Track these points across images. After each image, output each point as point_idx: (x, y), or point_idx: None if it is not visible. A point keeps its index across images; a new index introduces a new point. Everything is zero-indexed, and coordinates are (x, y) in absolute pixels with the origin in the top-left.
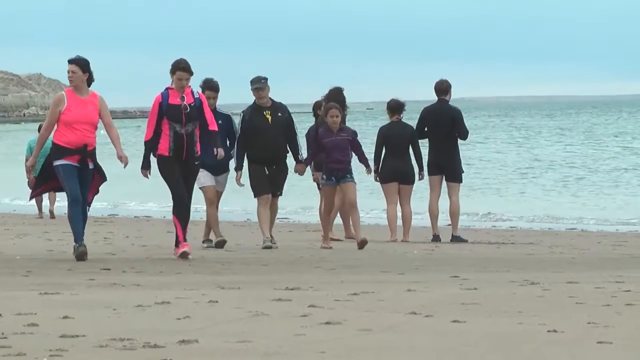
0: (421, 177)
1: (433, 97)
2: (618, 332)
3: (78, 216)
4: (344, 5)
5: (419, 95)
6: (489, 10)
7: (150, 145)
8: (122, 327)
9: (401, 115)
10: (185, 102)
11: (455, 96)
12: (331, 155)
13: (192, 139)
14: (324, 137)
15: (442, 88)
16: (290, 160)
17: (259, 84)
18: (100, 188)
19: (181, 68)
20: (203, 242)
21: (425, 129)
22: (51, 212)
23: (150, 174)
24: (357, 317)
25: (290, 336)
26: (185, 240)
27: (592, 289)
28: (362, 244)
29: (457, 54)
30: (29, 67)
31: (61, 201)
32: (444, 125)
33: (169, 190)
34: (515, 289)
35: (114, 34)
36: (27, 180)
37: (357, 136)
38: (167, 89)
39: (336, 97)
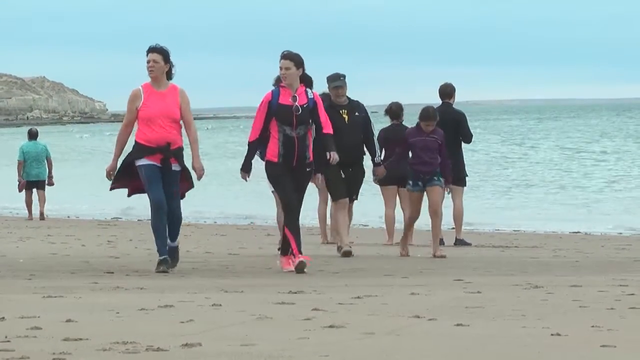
0: None
1: (437, 100)
2: (622, 336)
3: (160, 226)
4: (345, 6)
5: (423, 98)
6: (490, 13)
7: (254, 147)
8: (125, 330)
9: (401, 119)
10: (296, 103)
11: (460, 99)
12: (419, 156)
13: (303, 143)
14: (413, 135)
15: (447, 91)
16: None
17: (338, 82)
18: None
19: (283, 56)
20: (278, 249)
21: None
22: (41, 213)
23: (249, 177)
24: (361, 320)
25: (294, 339)
26: (300, 252)
27: (596, 293)
28: (435, 256)
29: (459, 57)
30: (32, 71)
31: (52, 203)
32: (448, 128)
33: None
34: (518, 293)
35: (115, 35)
36: (17, 182)
37: (444, 140)
38: (279, 86)
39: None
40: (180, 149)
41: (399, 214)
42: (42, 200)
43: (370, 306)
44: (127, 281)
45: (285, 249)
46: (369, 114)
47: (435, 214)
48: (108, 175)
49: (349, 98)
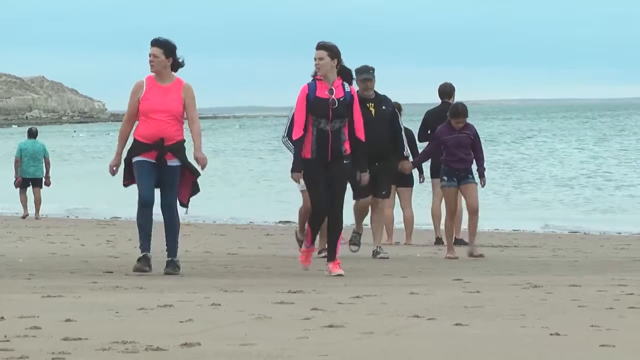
0: (421, 180)
1: (436, 100)
2: (621, 336)
3: (144, 221)
4: (345, 5)
5: (423, 98)
6: (490, 13)
7: (301, 144)
8: (124, 330)
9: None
10: (333, 96)
11: (459, 99)
12: (454, 154)
13: (338, 136)
14: (444, 134)
15: (446, 91)
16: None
17: (367, 74)
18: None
19: (317, 46)
20: (319, 252)
21: (429, 132)
22: (37, 212)
23: (302, 177)
24: (360, 320)
25: (293, 339)
26: (312, 243)
27: (595, 292)
28: (473, 255)
29: (459, 57)
30: (31, 70)
31: (49, 202)
32: None
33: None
34: (518, 292)
35: (115, 35)
36: (14, 180)
37: (479, 137)
38: (314, 79)
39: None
40: (179, 144)
41: (399, 215)
42: (37, 202)
43: (370, 306)
44: (126, 281)
45: (331, 256)
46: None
47: (474, 212)
48: (111, 171)
49: (375, 92)
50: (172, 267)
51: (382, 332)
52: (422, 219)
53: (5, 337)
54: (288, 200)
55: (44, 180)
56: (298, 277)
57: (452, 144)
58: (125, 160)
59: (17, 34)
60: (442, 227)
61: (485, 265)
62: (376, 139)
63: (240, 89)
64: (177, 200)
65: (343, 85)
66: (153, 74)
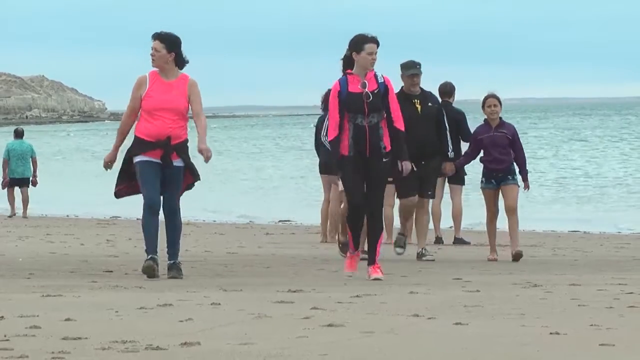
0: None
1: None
2: (620, 335)
3: (151, 226)
4: (350, 7)
5: None
6: (490, 13)
7: (337, 144)
8: (124, 329)
9: None
10: (367, 89)
11: (459, 98)
12: (489, 153)
13: (376, 131)
14: (481, 132)
15: (447, 90)
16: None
17: (414, 70)
18: (185, 189)
19: (372, 39)
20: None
21: None
22: (24, 211)
23: (339, 178)
24: (360, 319)
25: (293, 338)
26: (356, 248)
27: (595, 291)
28: (517, 257)
29: (459, 57)
30: (31, 70)
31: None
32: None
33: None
34: (517, 291)
35: (115, 34)
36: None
37: (518, 136)
38: (345, 74)
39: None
40: (184, 143)
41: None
42: (25, 201)
43: (369, 305)
44: (126, 280)
45: (371, 259)
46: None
47: (512, 214)
48: (106, 165)
49: (421, 88)
50: (176, 271)
51: (382, 331)
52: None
53: (5, 336)
54: (286, 198)
55: (31, 179)
56: (298, 277)
57: (488, 143)
58: (124, 158)
59: (17, 32)
60: (446, 227)
61: (485, 265)
62: (422, 136)
63: (240, 88)
64: (180, 207)
65: (376, 77)
66: (156, 69)
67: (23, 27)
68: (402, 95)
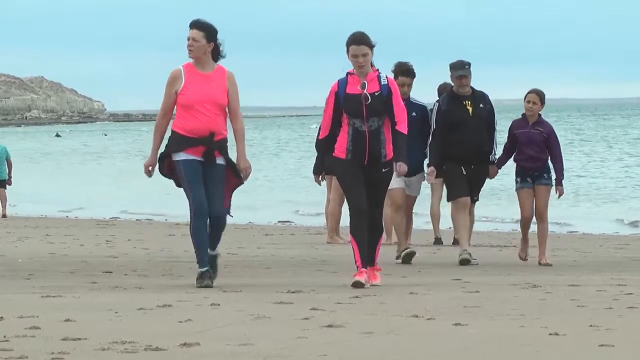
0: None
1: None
2: (620, 335)
3: (201, 232)
4: (352, 6)
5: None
6: (490, 13)
7: (324, 145)
8: (123, 330)
9: None
10: (365, 91)
11: None
12: (523, 151)
13: (376, 137)
14: (516, 127)
15: (445, 90)
16: None
17: (463, 71)
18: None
19: (355, 41)
20: (397, 257)
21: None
22: (3, 215)
23: (323, 179)
24: (359, 320)
25: (292, 339)
26: (364, 264)
27: (594, 292)
28: (542, 263)
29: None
30: (30, 70)
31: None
32: None
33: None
34: (517, 292)
35: (114, 35)
36: None
37: (556, 136)
38: (347, 73)
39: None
40: (225, 140)
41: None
42: (4, 199)
43: (369, 306)
44: (125, 281)
45: (370, 260)
46: (493, 106)
47: (542, 220)
48: (147, 172)
49: (472, 88)
50: (212, 273)
51: (382, 332)
52: (422, 219)
53: (5, 337)
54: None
55: (7, 180)
56: (297, 277)
57: (523, 140)
58: (160, 155)
59: (16, 34)
60: (451, 227)
61: (484, 265)
62: (473, 139)
63: (240, 88)
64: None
65: (379, 78)
66: (191, 60)
67: (23, 28)
68: (452, 97)
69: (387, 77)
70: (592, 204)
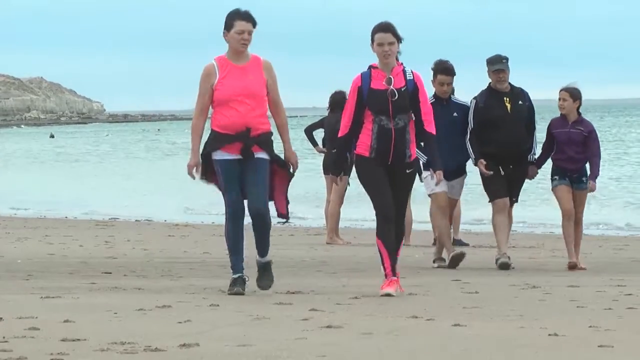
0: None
1: None
2: (619, 336)
3: (236, 235)
4: (346, 5)
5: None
6: (490, 13)
7: (344, 143)
8: (123, 330)
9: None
10: (392, 86)
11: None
12: (563, 151)
13: (402, 136)
14: (555, 126)
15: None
16: None
17: (500, 65)
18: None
19: (381, 28)
20: (434, 261)
21: None
22: None
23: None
24: (359, 321)
25: (291, 340)
26: (394, 273)
27: (594, 293)
28: (572, 267)
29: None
30: (30, 71)
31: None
32: None
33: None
34: (516, 293)
35: (113, 36)
36: None
37: (596, 135)
38: (370, 67)
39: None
40: (267, 135)
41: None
42: None
43: (368, 306)
44: (125, 281)
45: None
46: (533, 104)
47: (578, 224)
48: (190, 173)
49: (511, 84)
50: (266, 277)
51: (381, 333)
52: (421, 218)
53: (4, 338)
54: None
55: None
56: (296, 278)
57: (562, 139)
58: (202, 155)
59: (15, 34)
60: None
61: (483, 266)
62: (512, 138)
63: None
64: (269, 206)
65: (404, 73)
66: (225, 53)
67: (22, 28)
68: (490, 93)
69: (412, 72)
70: (599, 205)
